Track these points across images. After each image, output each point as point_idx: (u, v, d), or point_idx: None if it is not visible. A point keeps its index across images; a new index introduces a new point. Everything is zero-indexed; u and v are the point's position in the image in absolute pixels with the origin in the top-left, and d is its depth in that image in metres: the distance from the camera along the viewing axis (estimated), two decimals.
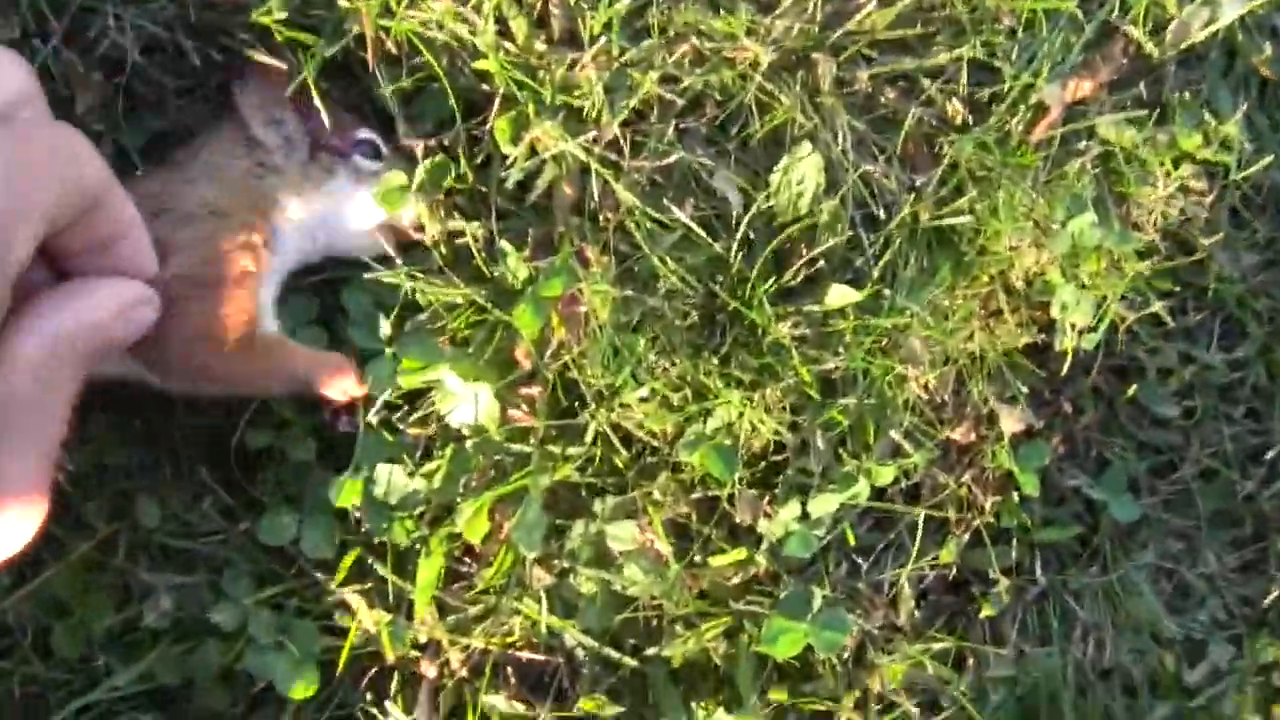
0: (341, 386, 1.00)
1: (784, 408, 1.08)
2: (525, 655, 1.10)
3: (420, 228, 1.03)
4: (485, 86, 1.04)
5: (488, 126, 1.04)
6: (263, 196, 0.97)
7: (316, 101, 0.97)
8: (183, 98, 1.04)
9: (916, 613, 1.16)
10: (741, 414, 1.06)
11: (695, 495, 1.09)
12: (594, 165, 1.03)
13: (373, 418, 1.03)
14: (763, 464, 1.10)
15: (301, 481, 1.04)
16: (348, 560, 1.05)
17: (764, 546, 1.09)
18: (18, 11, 0.99)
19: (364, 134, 1.02)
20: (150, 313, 0.75)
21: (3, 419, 0.62)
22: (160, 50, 1.03)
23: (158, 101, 1.04)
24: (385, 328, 1.03)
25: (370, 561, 1.05)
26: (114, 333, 0.71)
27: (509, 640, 1.09)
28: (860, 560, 1.14)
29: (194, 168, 0.96)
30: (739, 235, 1.06)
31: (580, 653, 1.09)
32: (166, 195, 0.93)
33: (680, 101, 1.06)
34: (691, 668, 1.12)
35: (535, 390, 1.05)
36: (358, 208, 1.01)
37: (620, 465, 1.08)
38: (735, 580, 1.10)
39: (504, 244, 1.03)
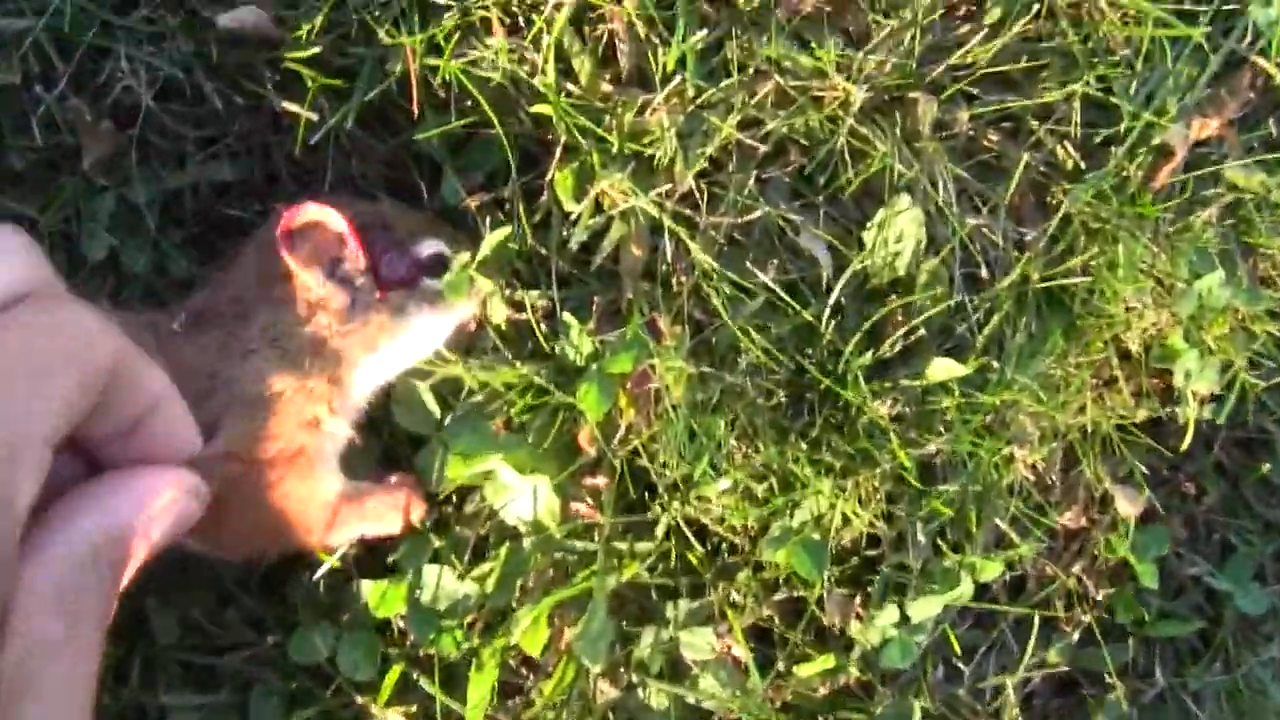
0: (411, 518, 0.90)
1: (879, 497, 0.95)
2: None
3: (480, 319, 0.91)
4: (544, 134, 0.92)
5: (547, 179, 0.91)
6: (333, 361, 0.84)
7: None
8: (203, 149, 0.92)
9: None
10: (833, 505, 0.94)
11: (779, 596, 0.96)
12: (666, 222, 0.90)
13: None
14: (854, 559, 0.97)
15: (338, 590, 0.91)
16: (391, 678, 0.92)
17: (856, 653, 0.96)
18: (19, 54, 0.87)
19: (428, 248, 0.87)
20: (194, 505, 0.63)
21: (24, 677, 0.51)
22: (177, 95, 0.91)
23: (175, 153, 0.92)
24: (432, 408, 0.90)
25: (416, 678, 0.93)
26: (151, 536, 0.59)
27: None
28: (960, 664, 1.01)
29: (250, 332, 0.83)
30: (830, 301, 0.93)
31: None
32: (221, 370, 0.81)
33: (762, 148, 0.94)
34: None
35: (601, 481, 0.92)
36: (430, 331, 0.89)
37: (695, 563, 0.96)
38: (824, 691, 0.98)
39: (566, 316, 0.90)
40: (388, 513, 0.88)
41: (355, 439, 0.87)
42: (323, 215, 0.82)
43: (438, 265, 0.88)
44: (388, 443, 0.94)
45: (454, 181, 0.92)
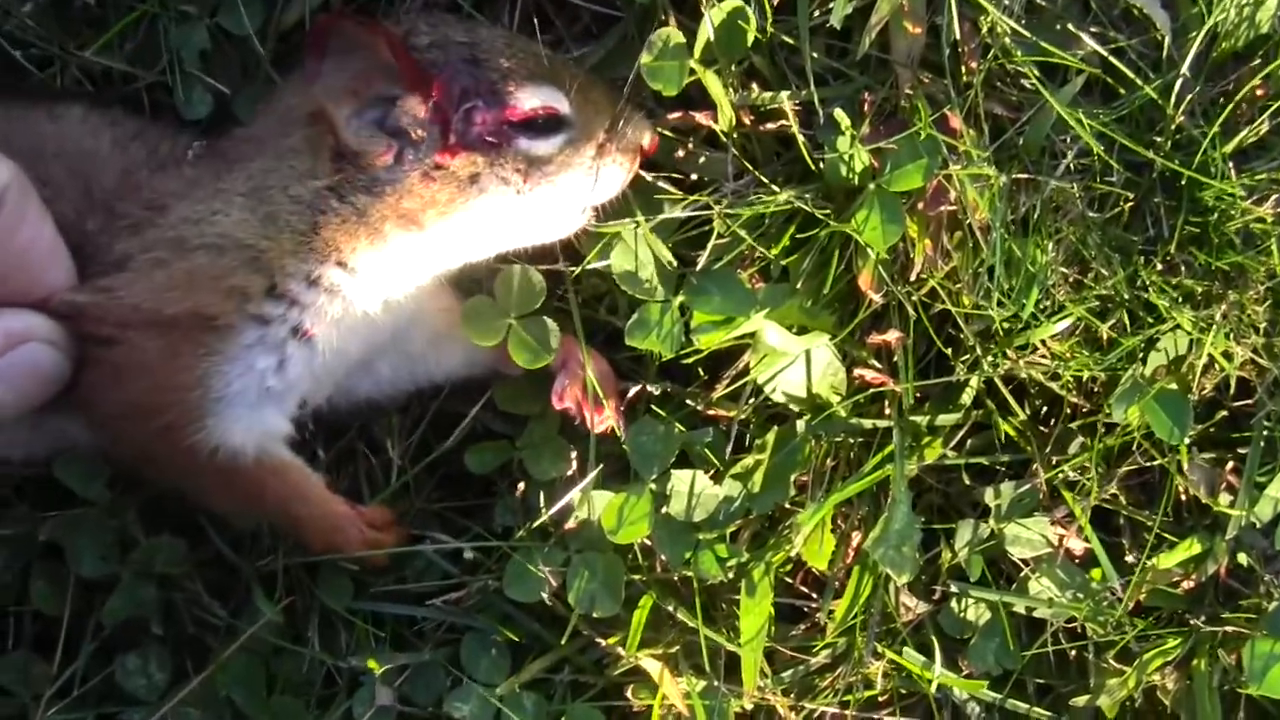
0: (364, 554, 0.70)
1: (1256, 328, 0.72)
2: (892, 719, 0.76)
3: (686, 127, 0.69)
4: None
5: None
6: (343, 231, 0.63)
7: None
8: None
9: None
10: (1197, 342, 0.71)
11: (1123, 469, 0.74)
12: None
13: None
14: (1219, 415, 0.74)
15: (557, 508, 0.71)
16: (640, 613, 0.71)
17: (1229, 534, 0.73)
18: None
19: (533, 97, 0.63)
20: (51, 359, 0.57)
21: None
22: None
23: None
24: (664, 255, 0.68)
25: (672, 609, 0.72)
26: None
27: (869, 696, 0.75)
28: None
29: (234, 175, 0.63)
30: (1178, 76, 0.69)
31: (974, 709, 0.76)
32: (172, 206, 0.62)
33: None
34: (1131, 716, 0.78)
35: (891, 335, 0.71)
36: (516, 214, 0.65)
37: (1015, 435, 0.74)
38: (1187, 585, 0.76)
39: (837, 112, 0.67)
40: (335, 527, 0.68)
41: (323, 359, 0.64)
42: (368, 35, 0.60)
43: (545, 124, 0.64)
44: None
45: None
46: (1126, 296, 0.70)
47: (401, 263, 0.64)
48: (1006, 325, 0.70)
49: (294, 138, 0.63)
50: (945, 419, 0.73)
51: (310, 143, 0.62)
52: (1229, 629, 0.74)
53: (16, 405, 0.56)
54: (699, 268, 0.69)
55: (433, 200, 0.62)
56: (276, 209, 0.61)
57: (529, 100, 0.63)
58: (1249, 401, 0.74)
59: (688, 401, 0.73)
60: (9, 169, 0.55)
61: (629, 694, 0.73)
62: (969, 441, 0.74)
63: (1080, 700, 0.75)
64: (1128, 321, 0.71)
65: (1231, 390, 0.74)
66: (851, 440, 0.73)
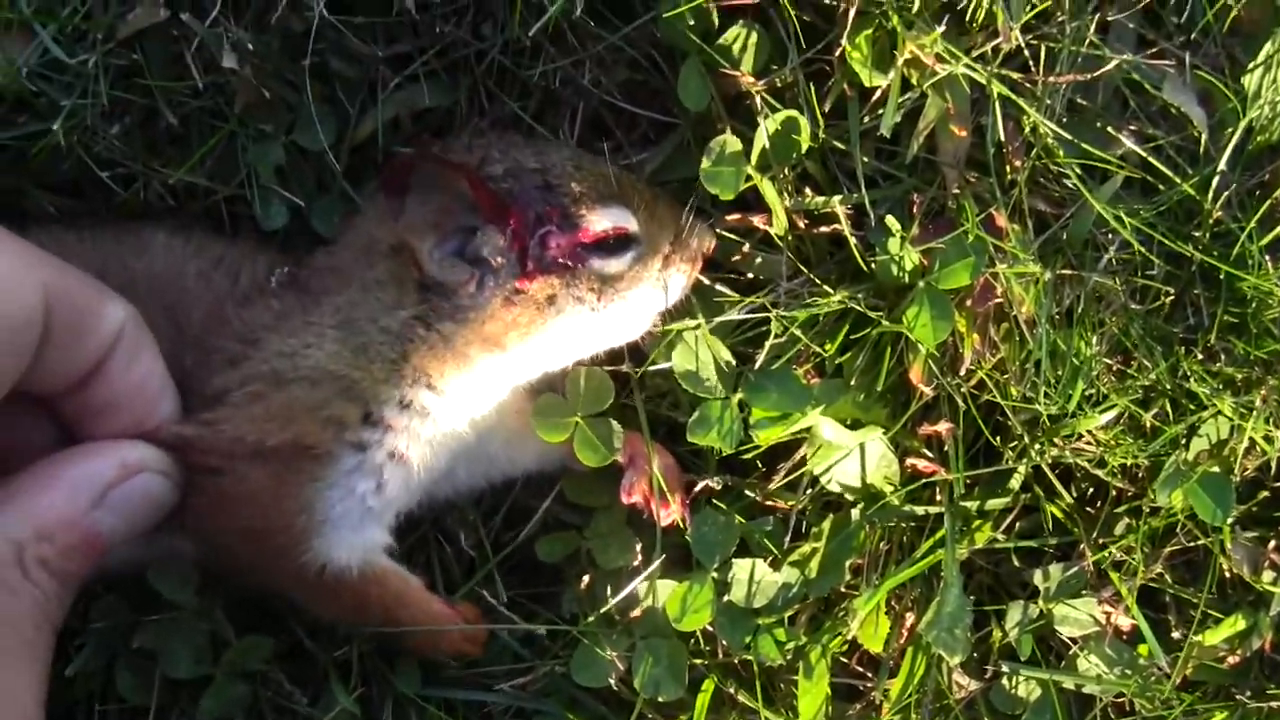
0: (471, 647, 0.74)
1: None
2: None
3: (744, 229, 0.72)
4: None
5: (836, 54, 0.71)
6: (431, 358, 0.66)
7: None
8: (394, 70, 0.73)
9: None
10: (1237, 428, 0.73)
11: (1168, 549, 0.76)
12: (995, 87, 0.70)
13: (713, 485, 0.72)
14: (1263, 495, 0.76)
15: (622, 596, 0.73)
16: (704, 697, 0.74)
17: (1273, 610, 0.76)
18: None
19: (605, 219, 0.66)
20: (161, 488, 0.60)
21: None
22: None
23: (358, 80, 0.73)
24: (723, 355, 0.71)
25: (733, 691, 0.75)
26: (103, 529, 0.56)
27: None
28: None
29: (322, 308, 0.66)
30: (1216, 171, 0.72)
31: None
32: (265, 339, 0.65)
33: None
34: None
35: (942, 427, 0.73)
36: (590, 330, 0.68)
37: (1062, 517, 0.76)
38: (1232, 661, 0.78)
39: (888, 218, 0.70)
40: (436, 625, 0.70)
41: (416, 482, 0.68)
42: (448, 171, 0.63)
43: (616, 244, 0.67)
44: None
45: (700, 77, 0.72)
46: (1169, 386, 0.72)
47: (486, 381, 0.67)
48: (1053, 415, 0.73)
49: (378, 270, 0.65)
50: (994, 504, 0.75)
51: (395, 275, 0.65)
52: (1275, 704, 0.76)
53: (128, 533, 0.58)
54: (757, 366, 0.72)
55: (514, 323, 0.65)
56: (367, 340, 0.64)
57: (600, 222, 0.66)
58: None
59: (747, 493, 0.75)
60: (125, 305, 0.58)
61: None
62: (1018, 525, 0.76)
63: None
64: (1170, 409, 0.73)
65: (1273, 470, 0.77)
66: (904, 526, 0.75)
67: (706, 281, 0.72)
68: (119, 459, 0.57)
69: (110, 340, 0.56)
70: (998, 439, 0.75)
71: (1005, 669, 0.76)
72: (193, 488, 0.62)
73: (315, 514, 0.64)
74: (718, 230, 0.72)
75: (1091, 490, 0.77)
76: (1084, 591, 0.76)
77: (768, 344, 0.71)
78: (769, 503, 0.75)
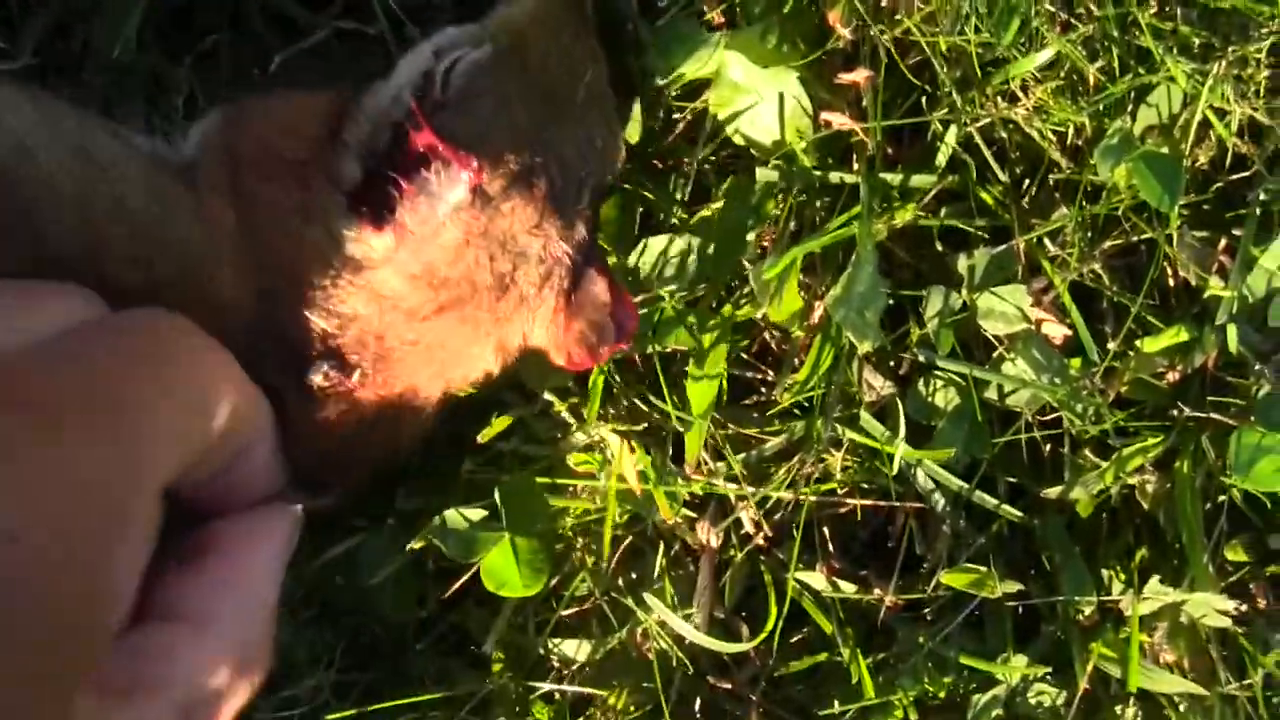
0: None
1: (1256, 89, 0.67)
2: (854, 503, 0.71)
3: None
4: None
5: None
6: None
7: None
8: None
9: None
10: (1191, 99, 0.65)
11: (1110, 243, 0.69)
12: None
13: None
14: (1214, 188, 0.69)
15: None
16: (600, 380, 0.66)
17: (1219, 319, 0.68)
18: None
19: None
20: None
21: None
22: None
23: None
24: None
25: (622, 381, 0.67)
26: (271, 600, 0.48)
27: (828, 487, 0.70)
28: None
29: None
30: None
31: (937, 499, 0.71)
32: None
33: None
34: (1104, 517, 0.73)
35: (861, 75, 0.65)
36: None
37: (992, 201, 0.68)
38: (1172, 377, 0.70)
39: None
40: None
41: None
42: None
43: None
44: None
45: None
46: (1116, 34, 0.65)
47: None
48: (985, 64, 0.65)
49: None
50: (919, 180, 0.67)
51: None
52: (1214, 415, 0.69)
53: None
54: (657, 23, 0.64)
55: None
56: None
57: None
58: (1246, 174, 0.69)
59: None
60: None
61: (571, 462, 0.68)
62: (944, 210, 0.69)
63: (1053, 491, 0.70)
64: (1117, 68, 0.66)
65: (1228, 163, 0.69)
66: (818, 203, 0.68)
67: None
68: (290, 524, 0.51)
69: (251, 440, 0.51)
70: (924, 102, 0.67)
71: (921, 359, 0.68)
72: None
73: None
74: None
75: (1026, 175, 0.69)
76: (1013, 281, 0.68)
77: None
78: (674, 164, 0.67)
